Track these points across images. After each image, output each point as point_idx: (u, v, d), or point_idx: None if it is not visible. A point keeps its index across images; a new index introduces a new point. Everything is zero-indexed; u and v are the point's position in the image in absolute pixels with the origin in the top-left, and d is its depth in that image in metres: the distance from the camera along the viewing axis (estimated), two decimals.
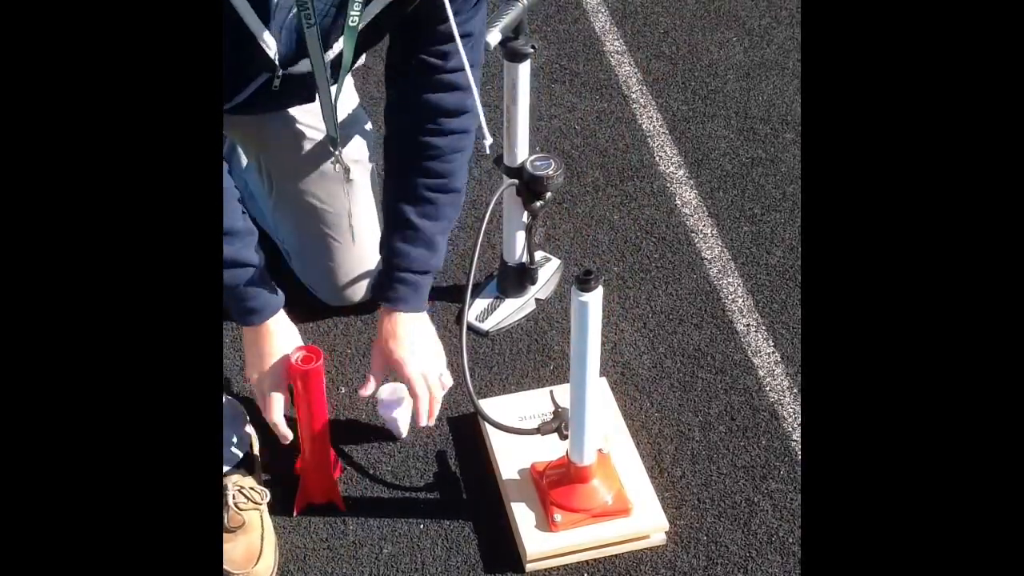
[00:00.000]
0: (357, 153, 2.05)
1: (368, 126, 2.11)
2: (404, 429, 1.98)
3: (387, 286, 1.86)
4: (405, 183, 1.85)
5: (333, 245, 2.06)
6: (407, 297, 1.86)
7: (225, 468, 1.81)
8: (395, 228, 1.86)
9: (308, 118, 2.01)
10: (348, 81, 2.05)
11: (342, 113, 2.00)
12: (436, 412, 1.85)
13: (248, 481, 1.82)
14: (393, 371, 1.86)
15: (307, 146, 2.02)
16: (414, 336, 1.86)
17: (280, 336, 1.78)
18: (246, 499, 1.80)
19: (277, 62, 1.75)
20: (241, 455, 1.83)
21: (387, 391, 1.99)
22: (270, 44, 1.72)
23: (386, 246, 1.88)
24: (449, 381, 1.90)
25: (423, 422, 1.84)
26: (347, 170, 2.00)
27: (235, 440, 1.85)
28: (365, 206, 2.08)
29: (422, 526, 1.87)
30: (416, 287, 1.86)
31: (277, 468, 1.92)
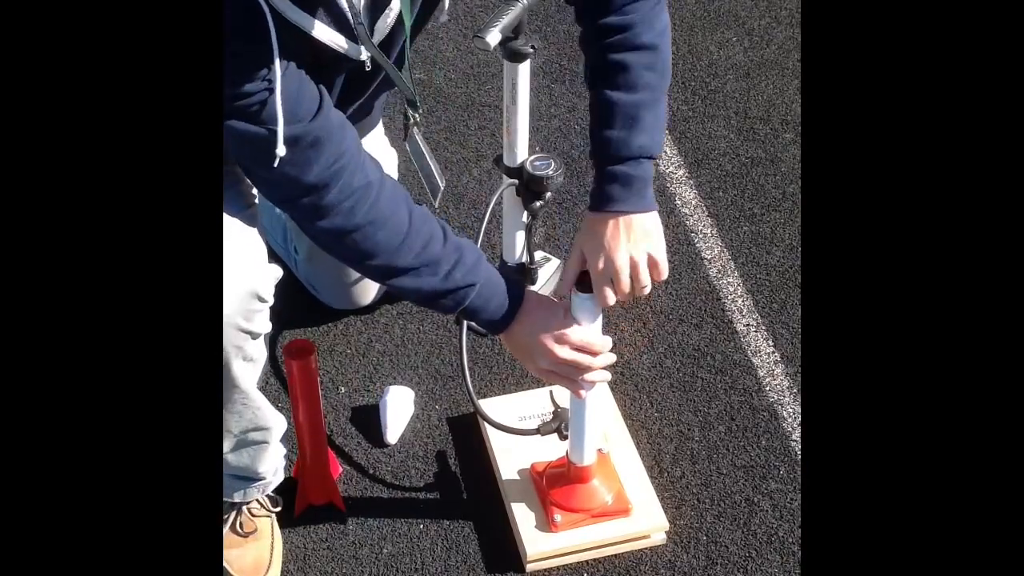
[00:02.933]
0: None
1: (391, 149, 2.12)
2: (392, 437, 1.98)
3: (594, 189, 1.56)
4: (591, 57, 1.55)
5: None
6: (617, 195, 1.52)
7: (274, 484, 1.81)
8: (593, 116, 1.56)
9: None
10: (379, 130, 2.04)
11: (369, 134, 1.99)
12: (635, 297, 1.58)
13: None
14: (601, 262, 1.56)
15: None
16: (620, 234, 1.53)
17: (539, 306, 1.59)
18: (260, 505, 1.80)
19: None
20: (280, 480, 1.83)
21: (391, 393, 2.00)
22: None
23: (591, 145, 1.57)
24: (663, 275, 1.58)
25: (610, 301, 1.55)
26: (417, 126, 1.74)
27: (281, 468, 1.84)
28: None
29: (422, 526, 1.87)
30: (627, 180, 1.52)
31: None
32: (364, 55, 1.52)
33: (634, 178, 1.52)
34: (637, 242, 1.54)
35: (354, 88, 1.66)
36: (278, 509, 1.83)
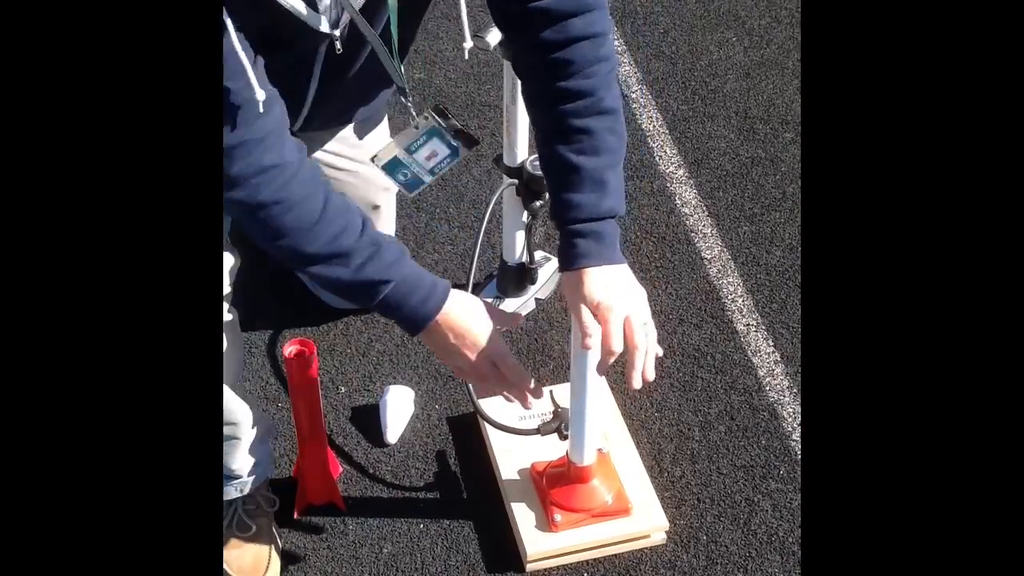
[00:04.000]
0: (387, 180, 2.02)
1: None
2: (392, 437, 1.98)
3: (565, 248, 1.55)
4: (548, 119, 1.55)
5: None
6: (590, 251, 1.53)
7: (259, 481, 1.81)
8: (553, 177, 1.56)
9: (346, 148, 1.98)
10: (384, 127, 2.03)
11: (376, 140, 1.98)
12: (651, 368, 1.52)
13: (260, 489, 1.83)
14: (599, 320, 1.53)
15: (342, 175, 1.98)
16: (609, 286, 1.53)
17: (465, 303, 1.56)
18: (256, 506, 1.80)
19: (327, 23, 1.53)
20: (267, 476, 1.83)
21: (391, 392, 2.00)
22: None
23: (551, 204, 1.57)
24: (653, 335, 1.55)
25: (638, 382, 1.50)
26: (413, 115, 1.70)
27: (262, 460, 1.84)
28: (388, 231, 2.07)
29: (422, 526, 1.87)
30: (599, 237, 1.54)
31: (276, 470, 1.93)
32: (325, 26, 1.50)
33: (608, 235, 1.54)
34: (631, 290, 1.55)
35: (333, 74, 1.64)
36: (275, 508, 1.83)
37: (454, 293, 1.55)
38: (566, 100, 1.51)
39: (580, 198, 1.52)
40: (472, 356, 1.55)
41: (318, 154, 1.95)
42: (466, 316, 1.54)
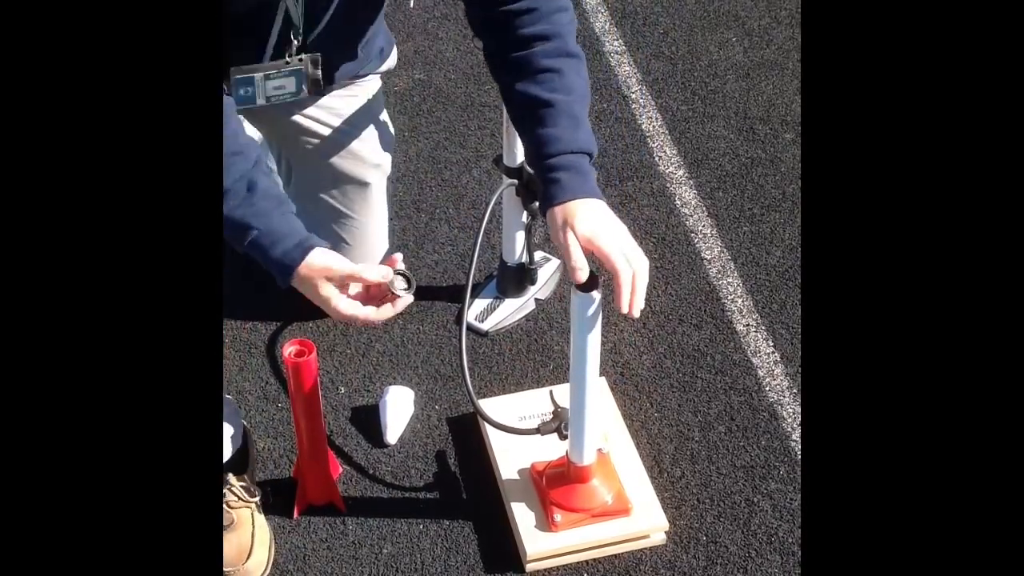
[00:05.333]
0: (378, 157, 2.04)
1: (391, 131, 2.11)
2: (392, 437, 1.98)
3: (545, 183, 1.54)
4: (516, 64, 1.59)
5: (341, 247, 2.06)
6: (572, 184, 1.52)
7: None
8: (527, 117, 1.58)
9: (332, 117, 1.99)
10: (376, 82, 2.05)
11: (366, 115, 2.00)
12: (642, 296, 1.50)
13: (240, 480, 1.83)
14: (596, 252, 1.51)
15: (330, 146, 2.01)
16: (598, 218, 1.51)
17: (317, 265, 1.57)
18: (236, 497, 1.80)
19: None
20: (231, 452, 1.83)
21: (391, 393, 2.00)
22: None
23: (527, 146, 1.60)
24: (646, 262, 1.52)
25: (625, 307, 1.49)
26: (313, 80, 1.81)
27: (228, 438, 1.85)
28: (379, 212, 2.08)
29: (422, 526, 1.87)
30: (580, 170, 1.53)
31: (276, 470, 1.93)
32: None
33: (587, 170, 1.54)
34: (617, 224, 1.54)
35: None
36: (256, 499, 1.82)
37: (317, 253, 1.56)
38: (533, 43, 1.56)
39: (558, 132, 1.53)
40: (331, 312, 1.58)
41: (311, 125, 1.97)
42: (317, 277, 1.56)
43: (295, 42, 1.76)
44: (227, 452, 1.83)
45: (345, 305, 1.57)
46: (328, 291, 1.56)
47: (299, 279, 1.57)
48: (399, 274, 1.57)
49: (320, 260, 1.56)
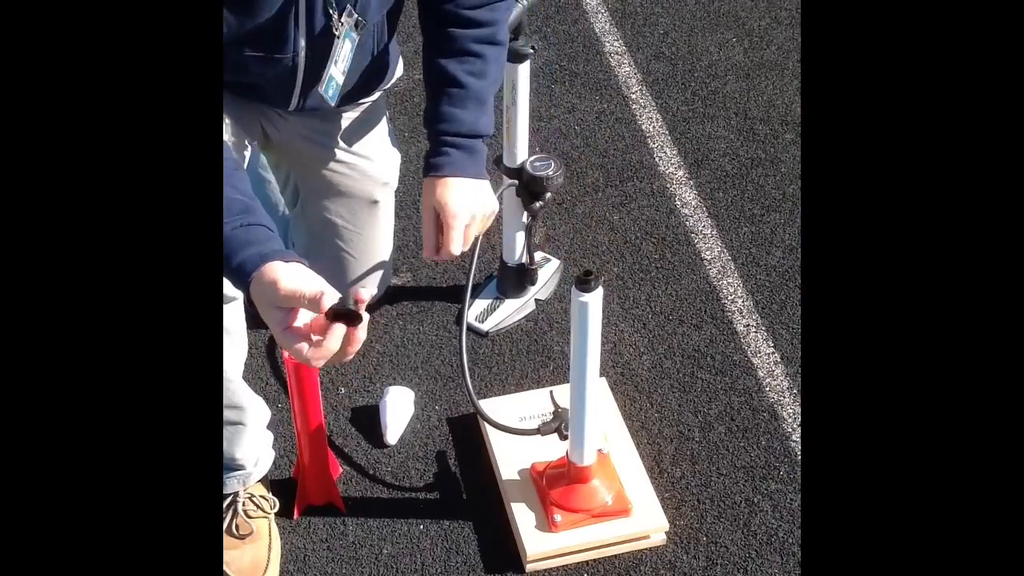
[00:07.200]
0: (387, 175, 2.02)
1: (397, 147, 2.09)
2: (392, 437, 1.98)
3: (436, 153, 1.70)
4: (446, 38, 1.71)
5: (346, 259, 2.04)
6: (461, 162, 1.71)
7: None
8: (440, 89, 1.71)
9: (342, 141, 1.98)
10: (381, 97, 2.03)
11: (374, 135, 1.98)
12: (460, 242, 1.69)
13: (258, 489, 1.83)
14: (443, 224, 1.70)
15: (341, 168, 1.99)
16: (470, 196, 1.71)
17: (261, 288, 1.37)
18: (256, 507, 1.80)
19: None
20: (272, 459, 1.83)
21: (391, 393, 2.00)
22: None
23: (430, 112, 1.72)
24: (494, 210, 1.75)
25: (442, 252, 1.70)
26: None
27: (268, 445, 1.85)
28: (385, 228, 2.07)
29: (422, 526, 1.87)
30: (471, 151, 1.72)
31: (276, 470, 1.93)
32: None
33: (479, 151, 1.71)
34: (486, 203, 1.73)
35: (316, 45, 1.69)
36: (275, 511, 1.83)
37: (268, 269, 1.35)
38: (469, 26, 1.69)
39: (463, 114, 1.69)
40: (270, 324, 1.39)
41: (318, 151, 1.95)
42: (261, 300, 1.37)
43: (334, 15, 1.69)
44: (268, 461, 1.83)
45: (286, 337, 1.34)
46: (271, 316, 1.36)
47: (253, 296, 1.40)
48: (341, 311, 1.28)
49: (269, 276, 1.35)
